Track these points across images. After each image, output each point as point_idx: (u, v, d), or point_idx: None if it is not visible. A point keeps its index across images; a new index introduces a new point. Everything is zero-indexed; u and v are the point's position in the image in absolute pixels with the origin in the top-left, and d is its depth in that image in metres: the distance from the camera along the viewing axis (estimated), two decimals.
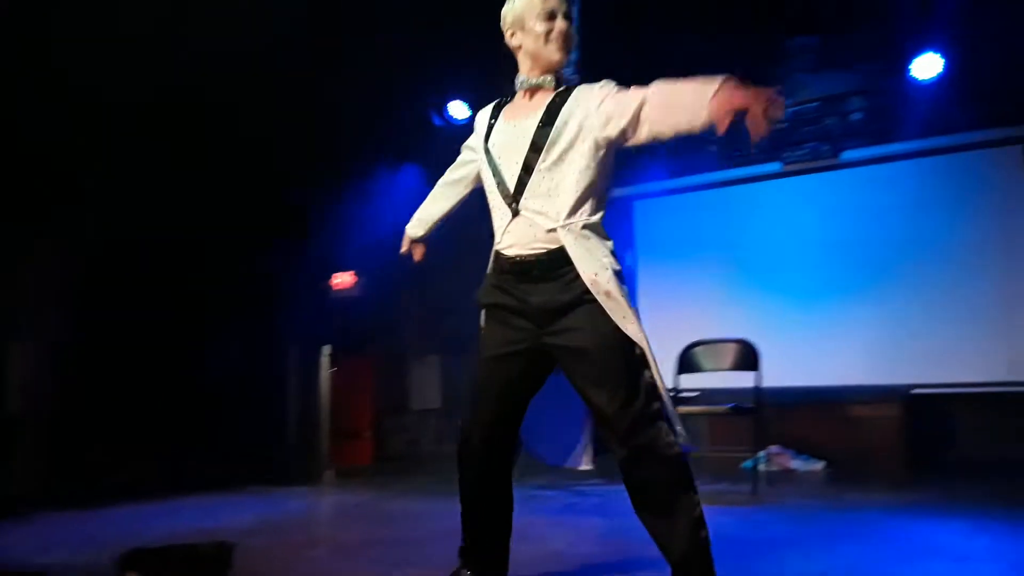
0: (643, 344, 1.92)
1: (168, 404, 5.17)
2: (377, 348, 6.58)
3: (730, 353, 4.43)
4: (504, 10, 2.15)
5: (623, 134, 2.00)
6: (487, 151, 2.13)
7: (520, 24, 2.11)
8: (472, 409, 2.13)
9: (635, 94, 1.98)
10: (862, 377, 5.33)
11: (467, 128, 6.63)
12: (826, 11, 5.35)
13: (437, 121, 5.94)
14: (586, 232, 1.98)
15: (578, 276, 1.95)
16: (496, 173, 2.10)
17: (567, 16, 2.09)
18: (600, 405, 1.93)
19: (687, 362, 4.52)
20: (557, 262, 1.98)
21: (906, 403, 4.96)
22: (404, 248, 2.49)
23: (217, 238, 5.64)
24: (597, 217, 2.02)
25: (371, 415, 6.44)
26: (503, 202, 2.08)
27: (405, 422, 6.69)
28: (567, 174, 2.00)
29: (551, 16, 2.07)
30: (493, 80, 6.64)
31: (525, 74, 2.13)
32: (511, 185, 2.06)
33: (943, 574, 2.48)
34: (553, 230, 1.98)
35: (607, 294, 1.93)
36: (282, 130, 5.37)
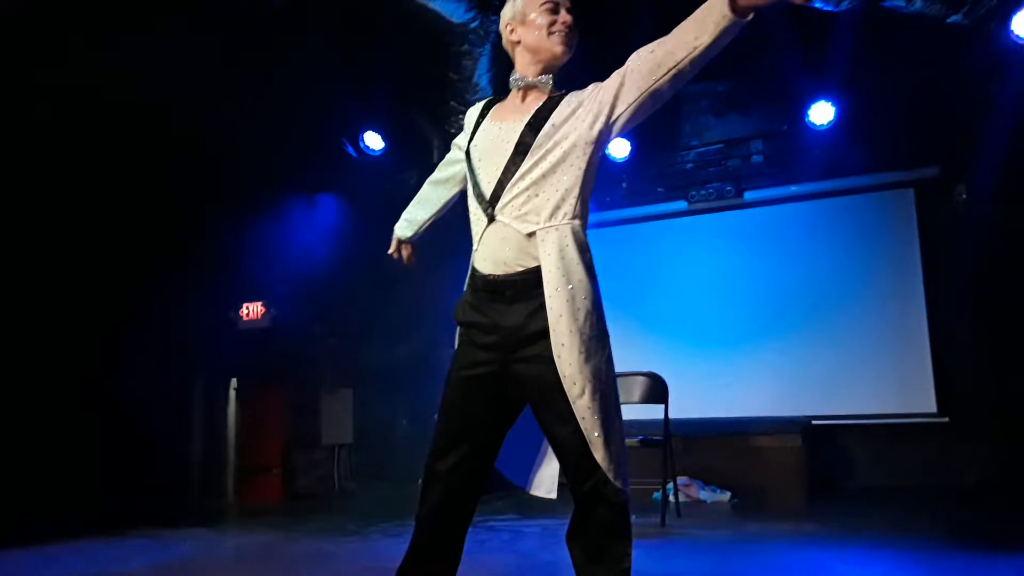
0: (601, 381, 1.83)
1: (56, 438, 4.88)
2: (287, 380, 6.40)
3: (639, 386, 4.50)
4: (504, 8, 2.07)
5: (607, 121, 1.91)
6: (468, 152, 2.05)
7: (521, 18, 2.02)
8: (437, 431, 2.00)
9: (618, 72, 1.90)
10: (765, 409, 5.50)
11: (383, 159, 6.58)
12: (727, 59, 5.59)
13: (352, 152, 5.90)
14: (566, 242, 1.89)
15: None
16: (474, 176, 2.01)
17: (571, 11, 2.01)
18: (561, 440, 1.87)
19: None
20: (531, 283, 1.90)
21: (806, 434, 5.13)
22: (392, 249, 2.40)
23: (119, 265, 5.41)
24: (579, 223, 1.93)
25: (280, 450, 6.23)
26: (479, 207, 1.99)
27: (316, 457, 6.50)
28: (550, 183, 1.91)
29: (555, 9, 2.00)
30: (407, 110, 6.69)
31: (521, 72, 2.03)
32: (488, 190, 1.97)
33: None
34: (532, 234, 1.89)
35: (569, 331, 1.84)
36: (187, 158, 5.23)
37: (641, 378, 4.51)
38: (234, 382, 6.03)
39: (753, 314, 5.75)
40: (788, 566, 3.13)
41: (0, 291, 4.76)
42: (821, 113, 5.48)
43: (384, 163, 6.14)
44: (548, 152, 1.91)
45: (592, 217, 6.38)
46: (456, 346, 2.03)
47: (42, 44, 4.22)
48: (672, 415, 4.38)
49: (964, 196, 5.42)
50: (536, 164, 1.91)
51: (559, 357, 1.82)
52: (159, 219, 5.48)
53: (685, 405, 4.79)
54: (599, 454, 1.80)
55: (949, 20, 4.29)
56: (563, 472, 1.93)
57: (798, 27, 5.21)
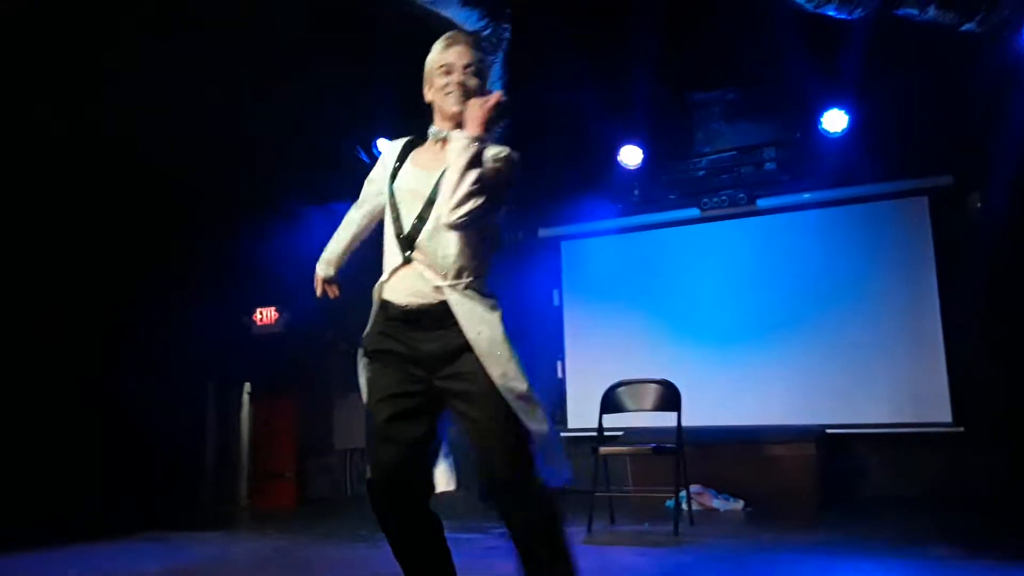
0: (520, 396, 2.04)
1: (71, 442, 4.92)
2: (300, 385, 6.43)
3: (652, 393, 4.50)
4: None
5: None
6: (392, 191, 2.19)
7: (429, 81, 2.22)
8: (373, 454, 2.15)
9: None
10: (779, 417, 5.48)
11: None
12: (739, 66, 5.61)
13: (364, 158, 5.93)
14: (469, 292, 2.09)
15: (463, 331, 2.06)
16: (396, 216, 2.17)
17: (468, 70, 2.17)
18: (481, 449, 2.07)
19: (610, 402, 4.57)
20: (447, 314, 2.07)
21: (820, 443, 5.11)
22: (318, 290, 2.49)
23: (134, 270, 5.46)
24: (480, 280, 2.13)
25: (293, 455, 6.26)
26: (397, 246, 2.15)
27: (329, 462, 6.53)
28: (456, 235, 2.09)
29: (448, 71, 2.17)
30: (418, 116, 6.68)
31: (438, 126, 2.22)
32: (407, 231, 2.13)
33: None
34: (439, 288, 2.07)
35: (487, 354, 2.04)
36: (200, 165, 5.27)
37: (654, 386, 4.50)
38: (247, 386, 6.08)
39: (766, 322, 5.72)
40: (805, 573, 3.12)
41: (19, 298, 4.81)
42: (834, 121, 5.47)
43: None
44: None
45: (604, 224, 6.37)
46: (366, 375, 2.19)
47: (69, 41, 4.26)
48: (685, 423, 4.37)
49: (979, 204, 5.39)
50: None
51: (501, 374, 2.04)
52: (173, 226, 5.52)
53: (698, 413, 4.78)
54: (519, 453, 2.06)
55: (963, 28, 4.27)
56: (483, 467, 2.10)
57: (811, 34, 5.21)
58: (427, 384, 2.10)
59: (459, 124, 2.13)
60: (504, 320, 2.11)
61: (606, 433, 4.63)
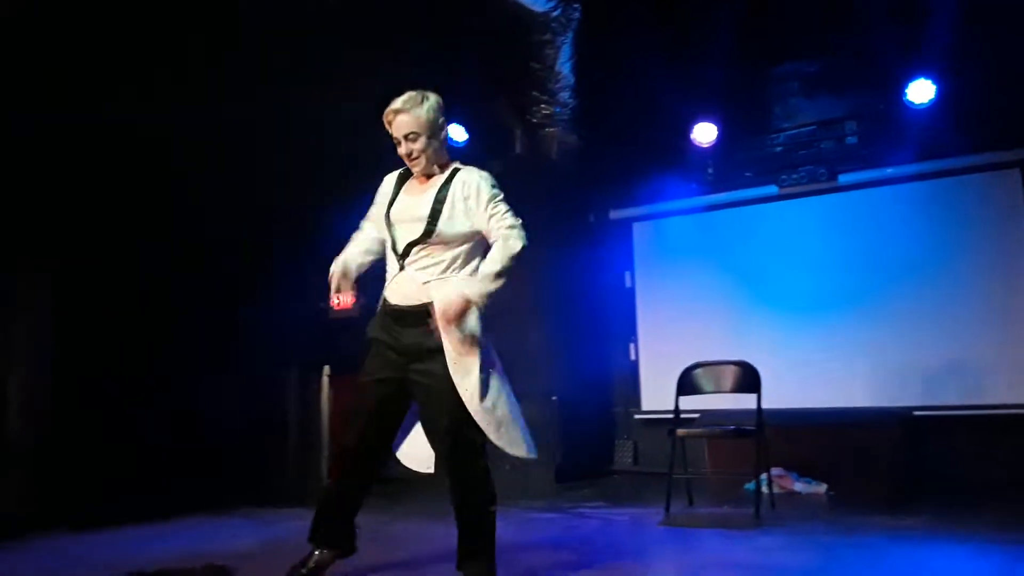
0: (474, 391, 2.50)
1: (165, 425, 5.15)
2: None
3: (731, 375, 4.43)
4: None
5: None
6: (388, 217, 2.67)
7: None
8: (354, 422, 2.70)
9: (497, 230, 2.60)
10: (863, 399, 5.32)
11: (465, 149, 6.66)
12: (818, 37, 5.44)
13: None
14: (451, 286, 2.55)
15: (436, 328, 2.52)
16: (393, 237, 2.65)
17: (409, 138, 2.63)
18: (433, 430, 2.61)
19: (687, 384, 4.52)
20: (424, 314, 2.56)
21: (906, 426, 4.94)
22: (333, 285, 2.78)
23: (215, 259, 5.65)
24: (466, 269, 2.62)
25: None
26: (395, 259, 2.65)
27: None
28: (446, 248, 2.58)
29: (398, 143, 2.67)
30: (490, 104, 6.72)
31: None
32: (401, 248, 2.62)
33: None
34: (427, 282, 2.57)
35: (456, 352, 2.52)
36: (279, 150, 5.39)
37: (732, 367, 4.43)
38: (326, 369, 6.22)
39: (849, 302, 5.54)
40: (893, 560, 3.04)
41: (105, 296, 5.06)
42: (920, 91, 5.23)
43: (467, 154, 6.19)
44: (443, 225, 2.58)
45: (677, 204, 6.32)
46: (368, 357, 2.70)
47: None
48: (765, 405, 4.29)
49: None
50: (435, 233, 2.58)
51: (453, 371, 2.51)
52: (257, 215, 5.69)
53: (777, 395, 4.68)
54: (460, 441, 2.55)
55: None
56: (435, 449, 2.64)
57: (894, 1, 5.00)
58: (404, 373, 2.60)
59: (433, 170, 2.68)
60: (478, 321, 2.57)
61: (682, 415, 4.58)
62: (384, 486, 5.95)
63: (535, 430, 6.39)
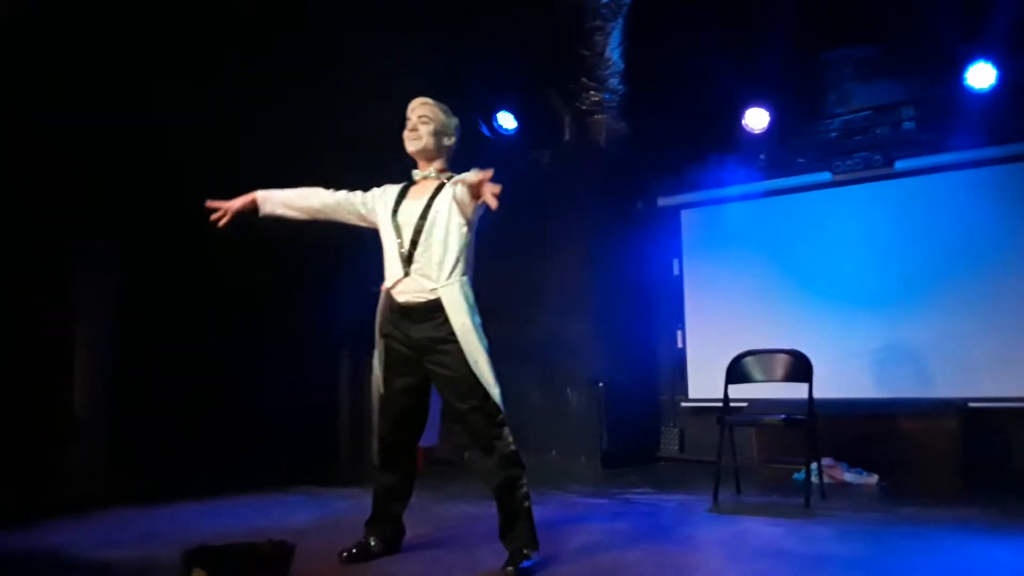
0: (486, 377, 2.71)
1: (223, 405, 5.31)
2: None
3: (781, 364, 4.39)
4: None
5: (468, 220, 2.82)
6: (395, 221, 2.85)
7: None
8: (385, 419, 2.91)
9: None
10: (916, 390, 5.23)
11: (514, 137, 6.64)
12: (874, 20, 5.32)
13: (486, 132, 6.02)
14: (456, 288, 2.75)
15: (447, 320, 2.71)
16: (399, 239, 2.81)
17: (422, 119, 2.86)
18: (460, 412, 2.76)
19: (736, 372, 4.49)
20: (433, 309, 2.74)
21: (962, 417, 4.85)
22: (236, 205, 2.94)
23: (273, 240, 5.77)
24: (465, 278, 2.80)
25: None
26: (399, 263, 2.80)
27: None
28: (443, 249, 2.76)
29: (409, 120, 2.90)
30: (539, 92, 6.73)
31: (419, 170, 2.94)
32: (406, 251, 2.79)
33: None
34: (434, 289, 2.74)
35: (467, 342, 2.70)
36: (325, 141, 5.47)
37: (783, 356, 4.39)
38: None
39: (903, 291, 5.44)
40: (947, 552, 3.00)
41: (164, 279, 5.20)
42: (981, 75, 5.10)
43: (517, 142, 6.23)
44: (437, 229, 2.78)
45: (727, 191, 6.27)
46: (382, 351, 2.87)
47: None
48: (816, 395, 4.25)
49: None
50: (431, 236, 2.78)
51: (475, 364, 2.71)
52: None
53: (830, 384, 4.63)
54: (495, 420, 2.75)
55: None
56: (464, 434, 2.82)
57: None
58: (420, 365, 2.79)
59: (425, 165, 2.90)
60: (476, 314, 2.77)
61: (732, 404, 4.56)
62: (429, 466, 6.08)
63: (580, 416, 6.43)
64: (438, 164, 2.91)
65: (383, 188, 2.99)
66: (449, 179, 2.86)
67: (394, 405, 2.88)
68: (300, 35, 4.88)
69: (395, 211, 2.87)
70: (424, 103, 2.90)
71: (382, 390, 2.89)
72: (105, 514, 4.01)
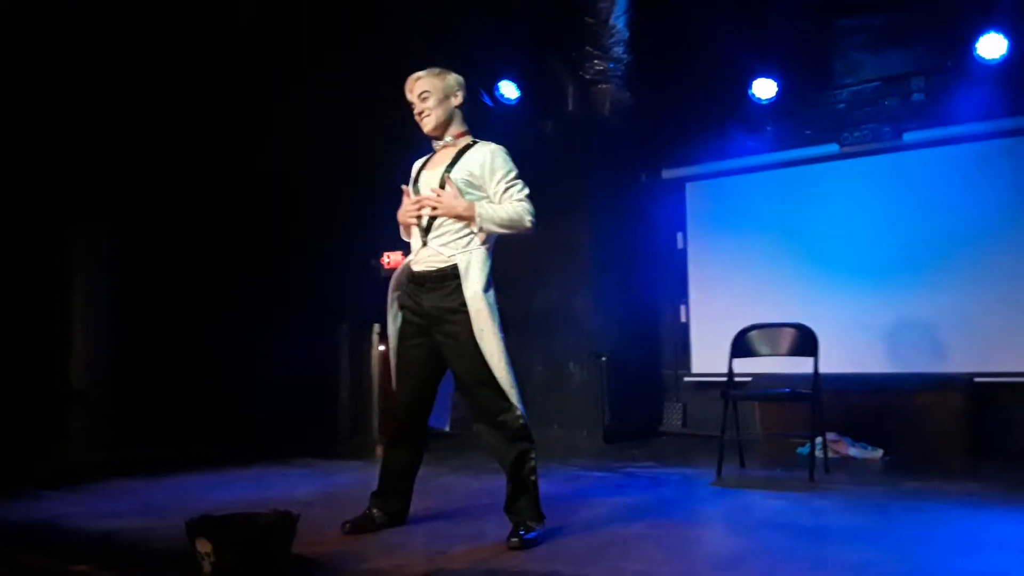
0: (494, 350, 2.65)
1: (222, 378, 5.30)
2: None
3: (787, 338, 4.35)
4: None
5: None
6: (416, 191, 2.85)
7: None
8: (398, 387, 2.89)
9: (509, 203, 2.77)
10: (922, 365, 5.20)
11: (517, 107, 6.53)
12: None
13: (488, 101, 5.93)
14: (475, 256, 2.72)
15: (458, 288, 2.68)
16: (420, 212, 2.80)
17: (422, 96, 2.82)
18: (467, 385, 2.74)
19: (741, 346, 4.45)
20: (445, 277, 2.73)
21: (968, 392, 4.82)
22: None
23: (270, 215, 5.73)
24: (485, 249, 2.75)
25: None
26: (419, 236, 2.81)
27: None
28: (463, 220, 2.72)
29: (414, 105, 2.86)
30: (542, 60, 6.62)
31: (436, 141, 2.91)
32: (425, 221, 2.78)
33: (1011, 565, 2.41)
34: (452, 255, 2.72)
35: (477, 311, 2.66)
36: (326, 114, 5.41)
37: (789, 330, 4.35)
38: (377, 327, 6.30)
39: (909, 264, 5.39)
40: (951, 525, 2.98)
41: (164, 251, 5.18)
42: (992, 46, 5.01)
43: (519, 111, 6.14)
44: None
45: (733, 163, 6.16)
46: (398, 321, 2.89)
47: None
48: (821, 369, 4.21)
49: None
50: None
51: (480, 333, 2.66)
52: (311, 175, 5.75)
53: (835, 358, 4.60)
54: (508, 394, 2.69)
55: None
56: (472, 407, 2.80)
57: None
58: (431, 337, 2.77)
59: (440, 137, 2.86)
60: (491, 286, 2.72)
61: (736, 378, 4.52)
62: (437, 441, 6.08)
63: (583, 390, 6.41)
64: (454, 129, 2.87)
65: (415, 164, 3.01)
66: (467, 145, 2.83)
67: (409, 376, 2.86)
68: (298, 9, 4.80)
69: (415, 181, 2.88)
70: (417, 79, 2.86)
71: (397, 361, 2.88)
72: (106, 485, 4.01)
